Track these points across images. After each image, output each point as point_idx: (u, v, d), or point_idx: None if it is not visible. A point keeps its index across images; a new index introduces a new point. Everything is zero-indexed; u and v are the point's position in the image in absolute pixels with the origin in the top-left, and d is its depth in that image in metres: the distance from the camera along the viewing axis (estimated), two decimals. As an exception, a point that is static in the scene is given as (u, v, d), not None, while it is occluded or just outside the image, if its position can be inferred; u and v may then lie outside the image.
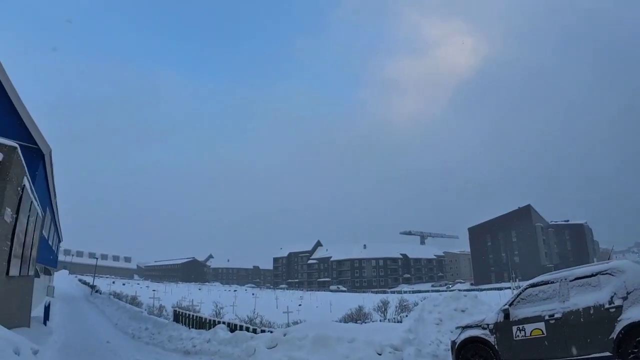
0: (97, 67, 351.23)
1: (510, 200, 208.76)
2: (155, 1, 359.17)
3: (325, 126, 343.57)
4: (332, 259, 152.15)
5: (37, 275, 18.70)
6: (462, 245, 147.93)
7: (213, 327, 13.89)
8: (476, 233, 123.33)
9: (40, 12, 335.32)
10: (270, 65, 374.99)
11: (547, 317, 7.36)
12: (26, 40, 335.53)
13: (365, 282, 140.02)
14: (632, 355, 6.28)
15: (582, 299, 7.08)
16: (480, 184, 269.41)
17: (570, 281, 7.44)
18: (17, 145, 8.27)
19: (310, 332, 10.07)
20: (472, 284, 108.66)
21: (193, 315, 16.48)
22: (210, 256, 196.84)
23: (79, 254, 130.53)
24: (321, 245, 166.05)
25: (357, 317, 18.71)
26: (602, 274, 7.12)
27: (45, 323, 16.81)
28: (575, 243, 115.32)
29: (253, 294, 59.46)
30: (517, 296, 8.14)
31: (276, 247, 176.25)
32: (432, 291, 68.77)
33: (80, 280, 64.76)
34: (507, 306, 8.13)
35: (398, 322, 15.54)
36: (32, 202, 10.89)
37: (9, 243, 8.69)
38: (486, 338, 8.20)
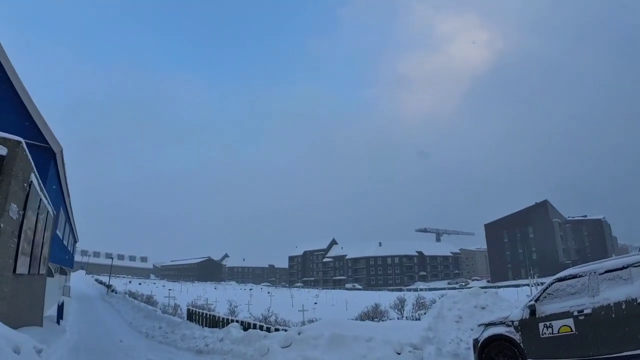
0: (113, 71, 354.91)
1: (526, 195, 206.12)
2: (168, 4, 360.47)
3: (339, 124, 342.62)
4: (347, 257, 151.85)
5: (50, 274, 18.63)
6: (478, 242, 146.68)
7: (226, 325, 13.66)
8: (492, 229, 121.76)
9: (59, 16, 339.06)
10: (282, 65, 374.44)
11: (575, 313, 6.91)
12: (44, 44, 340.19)
13: (381, 280, 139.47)
14: None
15: (613, 293, 6.60)
16: (496, 180, 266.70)
17: (600, 274, 6.96)
18: (21, 140, 8.04)
19: (326, 331, 9.72)
20: (488, 281, 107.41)
21: (206, 314, 16.29)
22: (226, 255, 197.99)
23: (96, 254, 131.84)
24: (336, 243, 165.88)
25: (374, 315, 18.35)
26: (634, 266, 6.63)
27: (58, 322, 16.74)
28: (594, 239, 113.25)
29: (268, 293, 59.39)
30: (544, 291, 7.69)
31: (291, 245, 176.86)
32: (449, 288, 68.15)
33: (96, 280, 65.33)
34: (533, 302, 7.70)
35: (416, 319, 15.20)
36: (41, 199, 10.70)
37: (16, 240, 8.48)
38: (511, 336, 7.78)
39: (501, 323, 8.11)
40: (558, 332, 7.09)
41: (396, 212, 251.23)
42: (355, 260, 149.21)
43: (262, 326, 12.71)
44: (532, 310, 7.56)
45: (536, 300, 7.66)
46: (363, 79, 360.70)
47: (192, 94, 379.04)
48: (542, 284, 41.41)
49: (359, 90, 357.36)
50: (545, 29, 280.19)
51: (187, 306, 20.61)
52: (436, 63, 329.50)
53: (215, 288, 78.51)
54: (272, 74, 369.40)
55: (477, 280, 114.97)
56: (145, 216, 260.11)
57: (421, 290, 62.49)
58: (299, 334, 9.98)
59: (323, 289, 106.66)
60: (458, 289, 60.38)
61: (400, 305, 20.98)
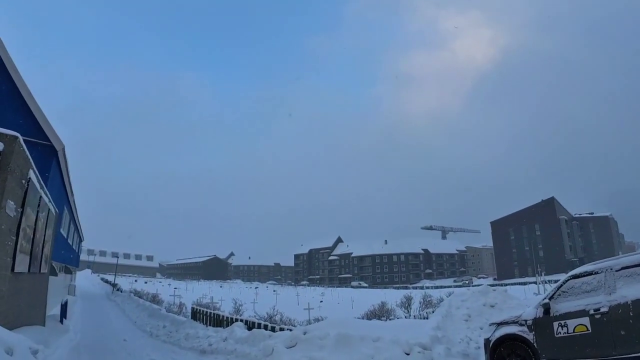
0: (119, 71, 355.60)
1: (533, 193, 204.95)
2: (169, 4, 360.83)
3: (344, 123, 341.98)
4: (353, 255, 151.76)
5: (54, 273, 18.49)
6: (484, 240, 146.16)
7: (230, 325, 13.46)
8: (499, 227, 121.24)
9: (62, 16, 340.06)
10: (285, 64, 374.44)
11: (592, 312, 6.58)
12: (49, 45, 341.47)
13: (387, 277, 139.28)
14: None
15: (631, 291, 6.25)
16: (502, 177, 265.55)
17: (617, 271, 6.63)
18: (18, 135, 7.83)
19: (332, 331, 9.46)
20: (495, 279, 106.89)
21: (210, 313, 16.12)
22: (232, 254, 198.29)
23: (102, 253, 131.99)
24: (342, 241, 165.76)
25: (380, 313, 18.12)
26: None
27: (62, 321, 16.58)
28: (601, 236, 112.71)
29: (274, 291, 59.25)
30: (558, 289, 7.37)
31: (297, 243, 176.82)
32: (455, 286, 67.81)
33: (102, 279, 65.27)
34: (547, 300, 7.39)
35: (424, 318, 14.99)
36: (41, 196, 10.50)
37: (14, 238, 8.29)
38: (524, 335, 7.48)
39: (513, 322, 7.81)
40: (573, 332, 6.78)
41: (402, 210, 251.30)
42: (361, 258, 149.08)
43: (267, 325, 12.50)
44: (546, 309, 7.26)
45: (550, 298, 7.37)
46: (367, 77, 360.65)
47: (196, 94, 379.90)
48: (549, 281, 41.29)
49: (363, 89, 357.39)
50: (553, 24, 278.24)
51: (192, 305, 20.46)
52: (441, 61, 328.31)
53: (221, 286, 78.41)
54: (275, 73, 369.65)
55: (483, 278, 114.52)
56: (152, 215, 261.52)
57: (427, 288, 62.22)
58: (305, 333, 9.72)
59: (329, 287, 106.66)
60: (461, 286, 60.12)
61: (407, 304, 20.78)
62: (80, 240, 44.35)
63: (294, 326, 13.60)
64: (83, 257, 63.20)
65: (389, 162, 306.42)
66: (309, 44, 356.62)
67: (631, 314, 6.14)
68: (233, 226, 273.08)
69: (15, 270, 8.56)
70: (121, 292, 39.26)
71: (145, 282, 67.40)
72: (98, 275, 74.83)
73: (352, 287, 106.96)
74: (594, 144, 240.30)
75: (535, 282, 49.36)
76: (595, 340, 6.47)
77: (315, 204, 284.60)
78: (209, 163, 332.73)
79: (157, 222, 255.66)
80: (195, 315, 17.13)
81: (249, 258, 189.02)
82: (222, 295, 39.86)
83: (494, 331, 8.13)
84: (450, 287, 68.36)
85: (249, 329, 12.50)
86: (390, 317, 17.28)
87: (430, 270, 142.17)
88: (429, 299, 19.87)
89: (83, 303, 30.30)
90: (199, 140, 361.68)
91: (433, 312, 14.00)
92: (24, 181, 8.61)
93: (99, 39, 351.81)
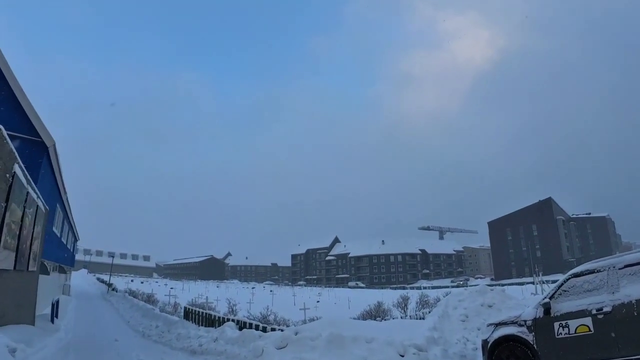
0: (119, 70, 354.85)
1: (530, 193, 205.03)
2: (169, 4, 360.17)
3: (343, 123, 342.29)
4: (350, 255, 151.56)
5: (44, 272, 18.16)
6: (482, 240, 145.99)
7: (222, 325, 13.21)
8: (496, 227, 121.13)
9: (62, 16, 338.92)
10: (285, 64, 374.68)
11: (594, 312, 6.33)
12: (50, 45, 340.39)
13: (384, 278, 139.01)
14: None
15: (635, 290, 6.01)
16: (500, 177, 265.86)
17: (620, 269, 6.36)
18: (0, 127, 7.56)
19: (324, 331, 9.19)
20: (492, 279, 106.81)
21: (203, 313, 15.90)
22: (229, 254, 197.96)
23: (99, 253, 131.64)
24: (339, 241, 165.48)
25: (377, 313, 17.95)
26: None
27: (52, 321, 16.29)
28: (598, 236, 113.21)
29: (271, 291, 58.98)
30: (559, 288, 7.10)
31: (294, 244, 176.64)
32: (452, 287, 67.63)
33: (98, 278, 65.00)
34: (547, 299, 7.11)
35: (420, 318, 14.78)
36: (28, 192, 10.21)
37: (-4, 233, 8.00)
38: (523, 336, 7.20)
39: (512, 323, 7.54)
40: (575, 332, 6.52)
41: (399, 210, 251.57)
42: (358, 258, 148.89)
43: (258, 326, 12.28)
44: (547, 309, 6.98)
45: (551, 298, 7.10)
46: (367, 77, 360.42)
47: (196, 93, 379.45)
48: (546, 282, 41.09)
49: (363, 89, 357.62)
50: (549, 25, 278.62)
51: (185, 305, 20.22)
52: (439, 61, 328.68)
53: (217, 287, 78.03)
54: (275, 73, 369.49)
55: (480, 278, 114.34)
56: (148, 215, 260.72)
57: (424, 288, 62.06)
58: (296, 334, 9.45)
59: (326, 287, 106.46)
60: (458, 286, 59.87)
61: (403, 304, 20.64)
62: (76, 240, 44.04)
63: (288, 326, 13.38)
64: (79, 256, 62.97)
65: (387, 162, 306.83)
66: (309, 44, 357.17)
67: (635, 314, 5.90)
68: (230, 226, 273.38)
69: (-1, 267, 8.28)
70: (116, 291, 39.03)
71: (142, 282, 67.19)
72: (94, 275, 74.55)
73: (350, 287, 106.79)
74: (591, 144, 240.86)
75: (532, 283, 49.20)
76: (598, 341, 6.22)
77: (313, 204, 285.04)
78: (208, 163, 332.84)
79: (154, 222, 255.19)
80: (188, 315, 16.90)
81: (246, 258, 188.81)
82: (218, 295, 39.69)
83: (492, 332, 7.86)
84: (447, 287, 68.13)
85: (241, 329, 12.26)
86: (387, 318, 17.11)
87: (428, 271, 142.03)
88: (426, 299, 19.76)
89: (77, 303, 30.03)
90: (199, 140, 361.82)
91: (430, 312, 13.78)
92: (8, 175, 8.32)
93: (99, 39, 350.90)
